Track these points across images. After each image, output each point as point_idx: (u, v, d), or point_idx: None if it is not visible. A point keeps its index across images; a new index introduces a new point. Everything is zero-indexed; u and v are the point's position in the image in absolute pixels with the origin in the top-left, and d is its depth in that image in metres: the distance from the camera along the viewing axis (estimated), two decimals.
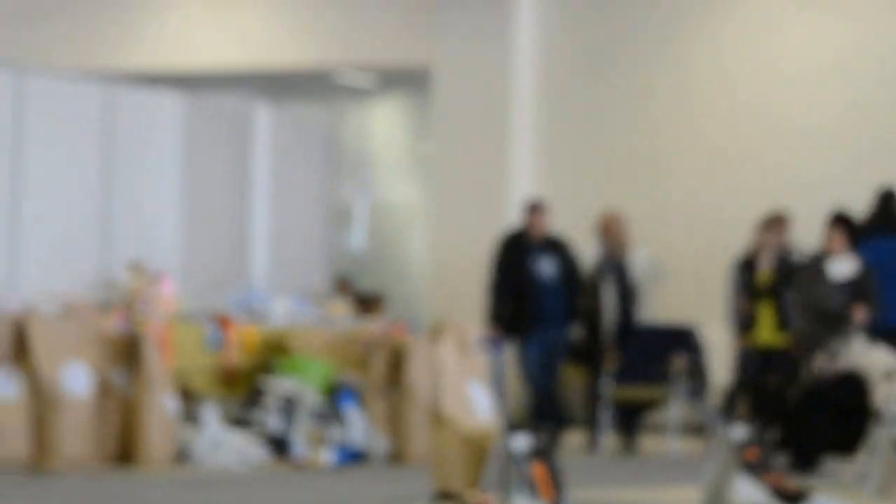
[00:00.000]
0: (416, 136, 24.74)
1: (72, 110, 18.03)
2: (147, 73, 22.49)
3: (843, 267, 16.19)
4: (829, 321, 16.14)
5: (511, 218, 18.75)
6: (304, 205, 19.70)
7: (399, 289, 22.66)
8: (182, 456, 14.78)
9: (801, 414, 15.75)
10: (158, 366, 14.49)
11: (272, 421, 14.77)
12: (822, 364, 15.20)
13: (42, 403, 14.73)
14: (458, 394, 12.31)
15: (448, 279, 19.68)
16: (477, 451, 11.62)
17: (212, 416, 14.72)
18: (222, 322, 15.84)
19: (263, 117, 19.64)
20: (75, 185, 17.49)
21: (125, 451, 14.60)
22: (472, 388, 12.51)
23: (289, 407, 15.06)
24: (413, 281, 23.49)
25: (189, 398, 15.23)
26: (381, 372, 16.31)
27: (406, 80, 23.99)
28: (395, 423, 16.17)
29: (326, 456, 15.63)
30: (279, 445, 14.94)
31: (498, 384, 16.44)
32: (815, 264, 16.61)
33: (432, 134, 23.11)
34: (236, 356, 15.84)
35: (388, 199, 25.14)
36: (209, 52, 23.97)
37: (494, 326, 17.45)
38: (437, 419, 12.29)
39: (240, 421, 15.04)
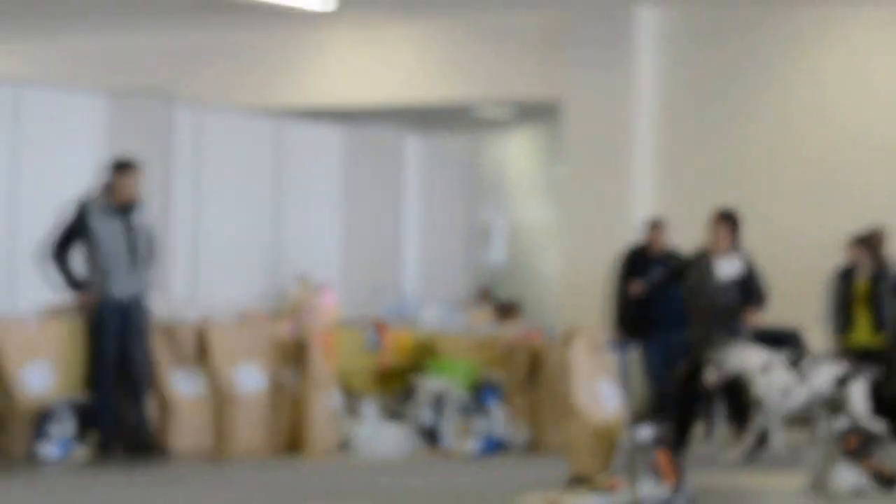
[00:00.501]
0: (548, 161, 24.78)
1: (246, 143, 18.27)
2: (312, 109, 22.68)
3: (729, 266, 15.29)
4: (719, 318, 15.42)
5: (633, 234, 18.69)
6: (448, 224, 19.79)
7: (534, 298, 22.70)
8: (344, 446, 14.96)
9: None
10: (323, 366, 14.74)
11: (424, 414, 14.98)
12: (711, 376, 14.59)
13: (220, 400, 15.04)
14: (590, 390, 12.33)
15: (577, 289, 19.66)
16: (607, 440, 11.72)
17: (370, 410, 14.97)
18: (379, 327, 16.02)
19: (413, 147, 19.73)
20: (249, 209, 17.65)
21: (294, 441, 14.87)
22: (601, 385, 12.53)
23: (438, 402, 15.22)
24: (546, 291, 23.48)
25: (350, 395, 15.44)
26: (520, 371, 16.38)
27: (538, 112, 24.01)
28: (533, 415, 16.26)
29: (472, 445, 15.70)
30: (430, 436, 15.11)
31: (624, 381, 16.43)
32: (702, 263, 15.65)
33: (562, 160, 23.10)
34: (391, 357, 16.03)
35: (523, 218, 25.18)
36: (365, 90, 24.11)
37: (619, 330, 17.49)
38: (571, 412, 12.31)
39: (395, 414, 15.23)
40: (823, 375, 15.06)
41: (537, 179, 25.27)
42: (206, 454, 14.84)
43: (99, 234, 14.58)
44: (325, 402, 14.69)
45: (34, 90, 17.28)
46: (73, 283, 14.69)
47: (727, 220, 15.53)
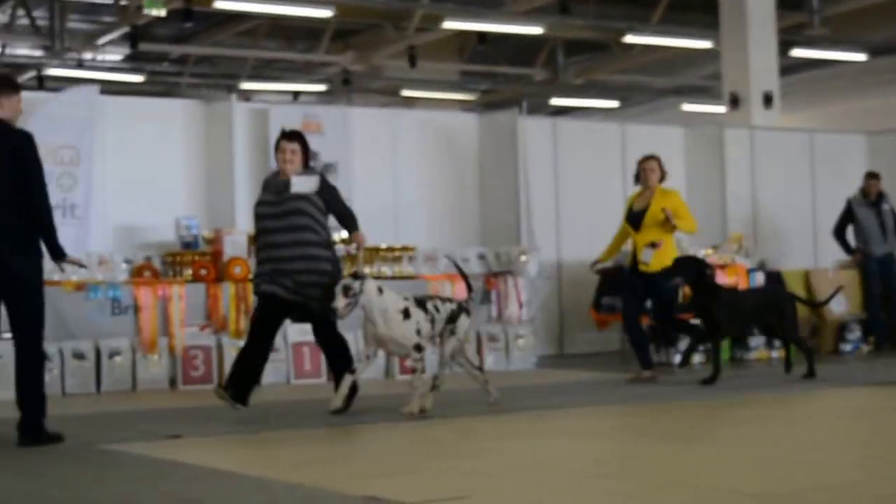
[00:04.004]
0: None
1: None
2: None
3: (304, 182, 8.77)
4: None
5: None
6: None
7: None
8: None
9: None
10: None
11: None
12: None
13: None
14: None
15: None
16: None
17: None
18: None
19: None
20: None
21: None
22: None
23: None
24: None
25: None
26: None
27: None
28: None
29: None
30: None
31: None
32: (280, 182, 8.90)
33: None
34: None
35: None
36: None
37: None
38: None
39: None
40: None
41: None
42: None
43: (860, 218, 14.61)
44: None
45: (820, 135, 17.29)
46: (849, 249, 14.69)
47: (297, 139, 9.00)
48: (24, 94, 7.91)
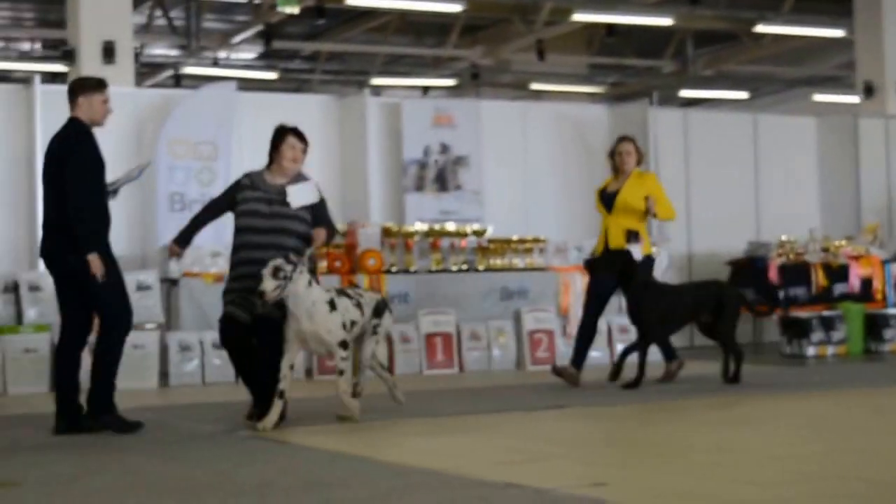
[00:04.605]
0: None
1: None
2: None
3: (304, 193, 8.03)
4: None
5: None
6: None
7: None
8: None
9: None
10: None
11: None
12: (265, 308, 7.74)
13: None
14: None
15: None
16: None
17: None
18: None
19: None
20: None
21: None
22: None
23: None
24: None
25: None
26: None
27: None
28: None
29: None
30: None
31: None
32: (274, 186, 8.04)
33: None
34: None
35: None
36: None
37: None
38: None
39: None
40: None
41: None
42: None
43: None
44: None
45: None
46: None
47: (297, 134, 8.27)
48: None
